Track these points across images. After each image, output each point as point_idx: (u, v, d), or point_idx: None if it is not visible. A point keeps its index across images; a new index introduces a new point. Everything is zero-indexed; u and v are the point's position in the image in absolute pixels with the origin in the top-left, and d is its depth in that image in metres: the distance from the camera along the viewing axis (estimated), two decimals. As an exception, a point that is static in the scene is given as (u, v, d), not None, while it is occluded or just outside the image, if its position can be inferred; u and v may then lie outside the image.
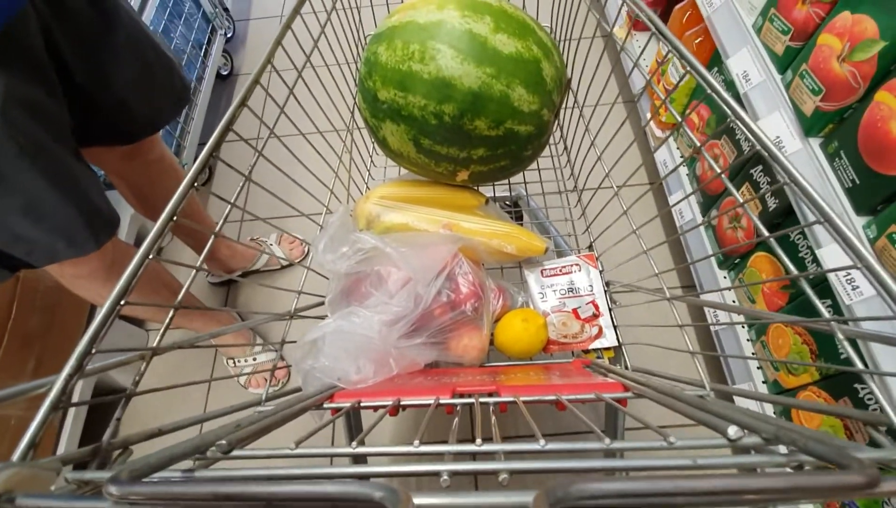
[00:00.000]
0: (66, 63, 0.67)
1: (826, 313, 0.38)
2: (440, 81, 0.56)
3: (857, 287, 0.66)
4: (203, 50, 1.65)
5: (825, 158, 0.76)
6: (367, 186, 0.91)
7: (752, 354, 0.99)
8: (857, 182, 0.70)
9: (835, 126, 0.76)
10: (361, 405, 0.47)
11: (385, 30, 0.62)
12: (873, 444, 0.29)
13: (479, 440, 0.32)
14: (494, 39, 0.57)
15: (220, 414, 0.43)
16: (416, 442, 0.32)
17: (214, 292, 1.42)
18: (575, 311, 0.68)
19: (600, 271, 0.70)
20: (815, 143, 0.78)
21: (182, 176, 0.79)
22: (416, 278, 0.58)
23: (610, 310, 0.68)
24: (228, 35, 1.84)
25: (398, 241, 0.60)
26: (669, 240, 0.70)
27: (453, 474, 0.28)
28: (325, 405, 0.49)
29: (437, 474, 0.28)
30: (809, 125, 0.78)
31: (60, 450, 1.03)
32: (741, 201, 0.45)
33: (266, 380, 1.18)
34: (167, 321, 0.42)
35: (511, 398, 0.44)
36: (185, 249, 1.30)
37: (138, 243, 0.74)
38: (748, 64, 0.88)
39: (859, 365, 0.36)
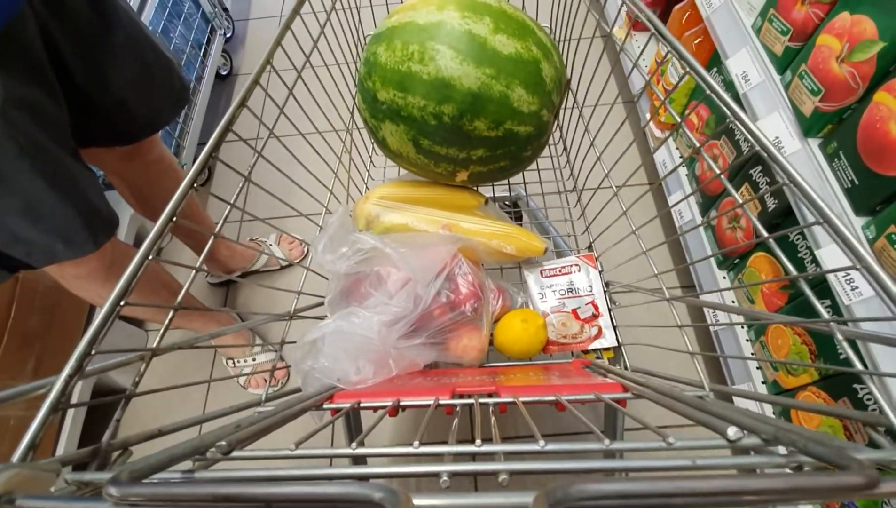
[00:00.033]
0: (65, 64, 0.67)
1: (825, 314, 0.38)
2: (440, 81, 0.56)
3: (857, 288, 0.66)
4: (202, 50, 1.65)
5: (824, 159, 0.76)
6: (367, 187, 0.91)
7: (752, 354, 0.99)
8: (856, 183, 0.70)
9: (834, 127, 0.76)
10: (361, 405, 0.47)
11: (385, 30, 0.62)
12: (872, 445, 0.29)
13: (478, 441, 0.33)
14: (494, 40, 0.57)
15: (220, 415, 0.43)
16: (416, 443, 0.32)
17: (214, 293, 1.42)
18: (574, 311, 0.68)
19: (600, 272, 0.70)
20: (814, 143, 0.78)
21: (181, 176, 0.79)
22: (416, 279, 0.58)
23: (609, 310, 0.68)
24: (228, 35, 1.84)
25: (397, 241, 0.60)
26: (669, 240, 0.70)
27: (453, 475, 0.28)
28: (324, 406, 0.49)
29: (436, 475, 0.28)
30: (808, 126, 0.78)
31: (60, 451, 1.03)
32: (740, 201, 0.45)
33: (266, 381, 1.18)
34: (167, 321, 0.42)
35: (511, 399, 0.44)
36: (184, 249, 1.29)
37: (138, 244, 0.75)
38: (747, 64, 0.88)
39: (858, 366, 0.36)
